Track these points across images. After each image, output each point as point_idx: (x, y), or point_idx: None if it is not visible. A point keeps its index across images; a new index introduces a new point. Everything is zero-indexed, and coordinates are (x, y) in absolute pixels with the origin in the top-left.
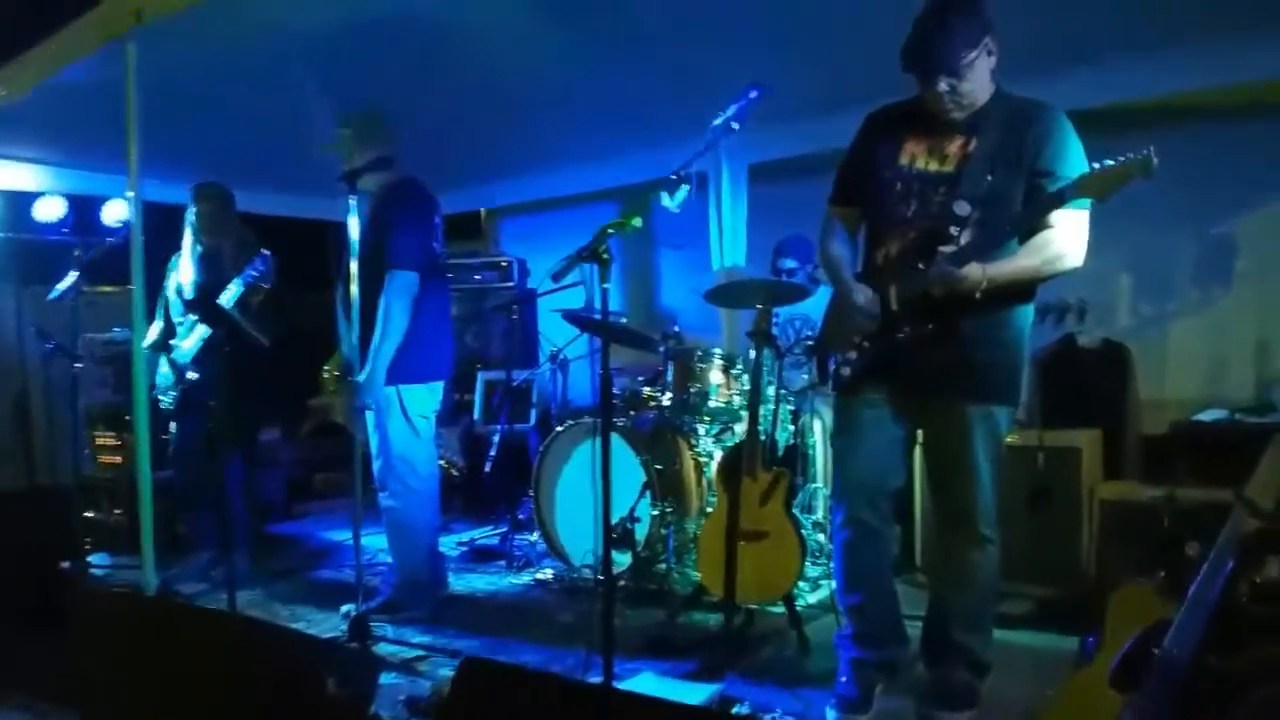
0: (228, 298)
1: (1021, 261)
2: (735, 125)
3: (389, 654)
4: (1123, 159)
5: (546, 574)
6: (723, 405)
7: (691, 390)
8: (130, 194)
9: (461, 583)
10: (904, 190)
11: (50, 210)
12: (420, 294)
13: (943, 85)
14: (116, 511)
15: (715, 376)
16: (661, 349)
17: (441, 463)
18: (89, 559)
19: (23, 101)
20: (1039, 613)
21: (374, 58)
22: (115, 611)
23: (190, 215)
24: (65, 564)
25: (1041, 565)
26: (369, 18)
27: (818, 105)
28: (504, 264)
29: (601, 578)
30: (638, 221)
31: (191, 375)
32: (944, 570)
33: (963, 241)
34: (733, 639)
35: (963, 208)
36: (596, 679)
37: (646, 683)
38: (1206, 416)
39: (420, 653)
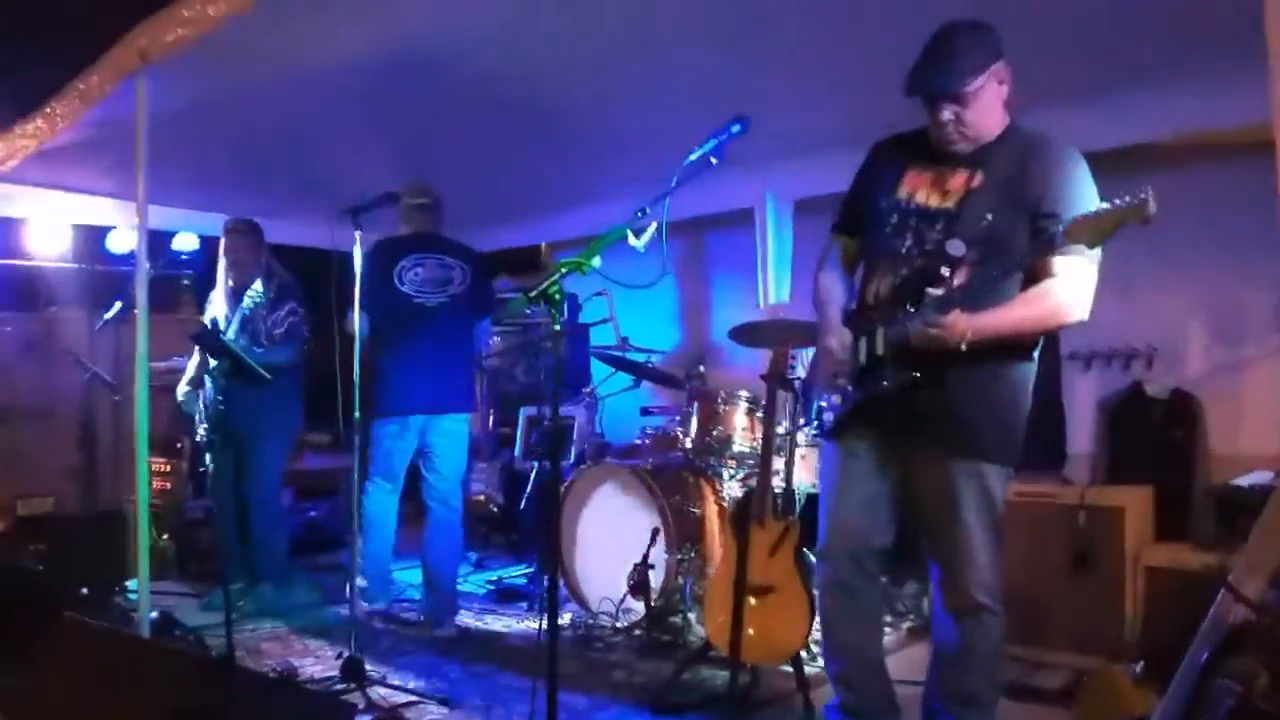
0: (230, 330)
1: (1015, 312)
2: (714, 160)
3: (380, 698)
4: (1117, 202)
5: (565, 619)
6: (748, 449)
7: (714, 432)
8: (136, 222)
9: (481, 623)
10: (899, 224)
11: (122, 242)
12: (386, 332)
13: (946, 113)
14: (164, 537)
15: (739, 419)
16: (686, 388)
17: (480, 497)
18: (127, 584)
19: (96, 138)
20: (1077, 686)
21: (430, 92)
22: (73, 642)
23: (221, 250)
24: (84, 590)
25: (1081, 634)
26: (431, 52)
27: (867, 139)
28: None
29: (619, 625)
30: (596, 261)
31: (220, 406)
32: (939, 639)
33: (955, 284)
34: (735, 700)
35: (956, 248)
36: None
37: None
38: (1245, 481)
39: (410, 698)
